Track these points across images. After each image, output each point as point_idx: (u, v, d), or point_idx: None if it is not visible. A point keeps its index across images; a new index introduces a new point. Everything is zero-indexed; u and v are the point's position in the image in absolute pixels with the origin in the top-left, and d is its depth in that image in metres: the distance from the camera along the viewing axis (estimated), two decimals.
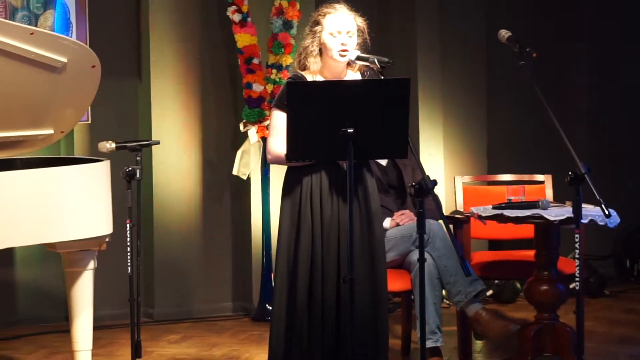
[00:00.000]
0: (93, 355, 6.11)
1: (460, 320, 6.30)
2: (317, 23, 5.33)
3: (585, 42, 8.80)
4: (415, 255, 5.80)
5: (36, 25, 7.24)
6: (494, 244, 7.80)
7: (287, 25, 7.58)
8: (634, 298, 8.21)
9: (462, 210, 6.82)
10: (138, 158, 5.72)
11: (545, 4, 8.66)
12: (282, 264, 5.29)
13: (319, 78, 5.33)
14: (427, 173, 5.00)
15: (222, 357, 6.68)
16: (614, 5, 8.82)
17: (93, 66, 5.82)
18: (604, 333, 7.06)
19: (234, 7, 7.56)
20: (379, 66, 5.17)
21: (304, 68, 5.36)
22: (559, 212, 5.73)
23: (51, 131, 6.04)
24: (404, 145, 5.07)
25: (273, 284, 7.26)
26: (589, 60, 8.83)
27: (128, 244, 5.69)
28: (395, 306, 7.39)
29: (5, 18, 7.16)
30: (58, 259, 6.10)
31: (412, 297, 6.39)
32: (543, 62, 5.59)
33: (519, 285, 7.96)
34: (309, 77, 5.33)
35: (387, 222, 6.29)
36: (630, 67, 8.87)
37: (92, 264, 5.99)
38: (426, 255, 5.63)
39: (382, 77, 5.17)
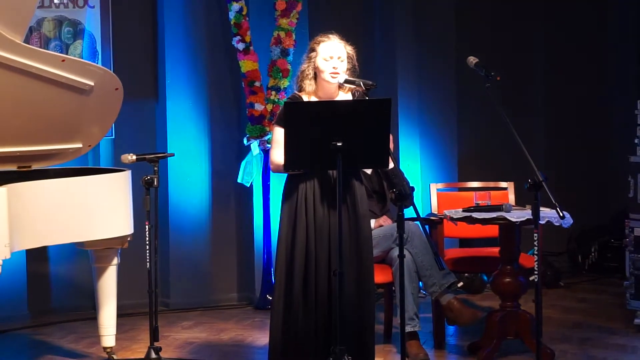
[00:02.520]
0: (117, 339, 6.13)
1: (435, 308, 6.30)
2: (313, 50, 5.34)
3: (541, 62, 8.83)
4: (395, 252, 5.80)
5: (67, 53, 7.24)
6: (464, 242, 7.80)
7: (285, 52, 7.59)
8: (585, 289, 8.21)
9: (436, 212, 6.82)
10: (155, 168, 5.72)
11: (507, 30, 8.69)
12: (281, 260, 5.29)
13: (314, 99, 5.33)
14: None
15: (229, 341, 6.68)
16: (568, 21, 8.86)
17: (116, 89, 5.83)
18: (559, 319, 7.06)
19: (238, 37, 7.56)
20: (364, 88, 5.17)
21: (301, 90, 5.37)
22: (520, 215, 5.74)
23: (80, 145, 6.05)
24: (386, 156, 5.09)
25: (273, 277, 7.27)
26: (545, 78, 8.85)
27: (147, 242, 5.70)
28: (378, 296, 7.38)
29: (40, 47, 7.16)
30: (86, 256, 6.11)
31: (393, 288, 6.38)
32: (505, 81, 5.59)
33: (485, 278, 7.97)
34: (305, 98, 5.33)
35: (371, 223, 6.29)
36: (582, 81, 8.89)
37: (116, 260, 6.00)
38: (405, 252, 5.64)
39: (367, 98, 5.17)
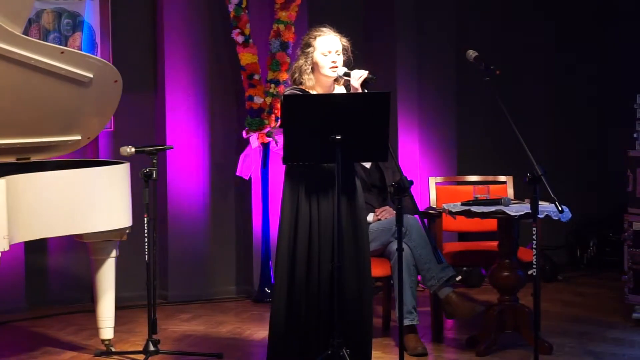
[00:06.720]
0: (115, 331, 6.13)
1: (433, 302, 6.31)
2: (309, 45, 5.31)
3: (542, 56, 8.82)
4: (394, 246, 5.80)
5: (66, 46, 7.24)
6: (463, 236, 7.80)
7: (284, 45, 7.59)
8: (583, 283, 8.22)
9: (435, 206, 6.82)
10: (154, 161, 5.73)
11: (507, 25, 8.69)
12: (283, 253, 5.24)
13: (312, 92, 5.32)
14: (404, 174, 5.02)
15: (227, 334, 6.69)
16: (570, 15, 8.86)
17: (115, 81, 5.83)
18: (557, 313, 7.07)
19: (237, 30, 7.56)
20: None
21: (299, 85, 5.35)
22: (518, 208, 5.75)
23: (79, 137, 6.05)
24: (385, 150, 5.08)
25: (272, 270, 7.28)
26: (545, 72, 8.85)
27: (145, 235, 5.71)
28: (377, 290, 7.39)
29: (39, 39, 7.15)
30: (84, 248, 6.12)
31: (392, 281, 6.39)
32: (504, 74, 5.59)
33: (484, 272, 7.96)
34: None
35: (370, 217, 6.29)
36: (582, 75, 8.89)
37: (114, 253, 6.00)
38: (404, 245, 5.64)
39: (366, 91, 5.17)
